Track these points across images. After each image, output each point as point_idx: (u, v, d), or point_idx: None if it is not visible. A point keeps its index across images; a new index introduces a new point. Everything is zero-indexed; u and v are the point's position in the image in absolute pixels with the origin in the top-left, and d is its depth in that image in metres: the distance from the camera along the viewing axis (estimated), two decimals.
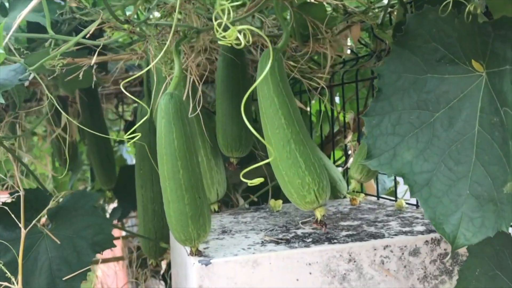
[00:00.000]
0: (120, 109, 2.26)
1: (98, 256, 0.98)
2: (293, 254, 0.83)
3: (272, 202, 1.16)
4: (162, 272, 1.87)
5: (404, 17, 0.71)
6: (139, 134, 0.73)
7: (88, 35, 0.82)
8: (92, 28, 0.75)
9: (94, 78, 1.02)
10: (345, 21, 1.10)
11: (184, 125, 0.77)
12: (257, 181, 0.67)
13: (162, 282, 1.89)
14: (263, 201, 1.37)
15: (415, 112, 0.62)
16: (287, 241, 0.89)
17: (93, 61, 0.77)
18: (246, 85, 1.04)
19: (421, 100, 0.61)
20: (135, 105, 2.04)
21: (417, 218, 1.02)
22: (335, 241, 0.88)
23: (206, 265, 0.79)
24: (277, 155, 0.79)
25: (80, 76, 1.00)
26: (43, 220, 0.99)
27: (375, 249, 0.86)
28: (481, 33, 0.53)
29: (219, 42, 0.57)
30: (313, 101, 1.64)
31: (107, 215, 1.93)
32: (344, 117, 1.32)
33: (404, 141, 0.62)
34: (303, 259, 0.83)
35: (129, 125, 2.03)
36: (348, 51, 1.35)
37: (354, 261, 0.85)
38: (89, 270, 0.93)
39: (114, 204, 2.08)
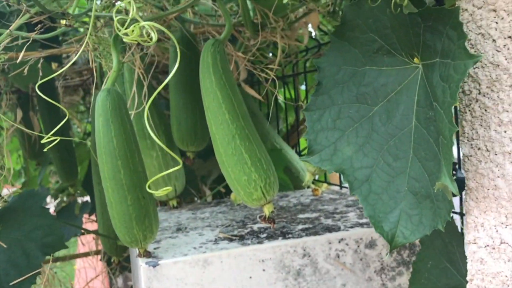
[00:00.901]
0: (87, 99, 2.21)
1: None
2: (245, 251, 0.81)
3: (233, 195, 1.13)
4: None
5: None
6: (58, 138, 0.69)
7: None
8: (19, 22, 0.71)
9: (41, 73, 0.98)
10: (305, 8, 1.06)
11: (123, 123, 0.73)
12: (163, 191, 0.64)
13: None
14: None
15: (355, 106, 0.59)
16: (241, 238, 0.87)
17: (21, 57, 0.72)
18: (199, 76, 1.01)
19: (360, 93, 0.59)
20: None
21: None
22: (290, 235, 0.86)
23: (154, 266, 0.77)
24: (222, 152, 0.76)
25: (25, 71, 0.96)
26: None
27: (330, 243, 0.85)
28: (412, 24, 0.51)
29: (124, 40, 0.53)
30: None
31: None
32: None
33: (345, 136, 0.60)
34: (256, 256, 0.81)
35: None
36: (311, 38, 1.32)
37: (309, 256, 0.84)
38: (38, 273, 0.90)
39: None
